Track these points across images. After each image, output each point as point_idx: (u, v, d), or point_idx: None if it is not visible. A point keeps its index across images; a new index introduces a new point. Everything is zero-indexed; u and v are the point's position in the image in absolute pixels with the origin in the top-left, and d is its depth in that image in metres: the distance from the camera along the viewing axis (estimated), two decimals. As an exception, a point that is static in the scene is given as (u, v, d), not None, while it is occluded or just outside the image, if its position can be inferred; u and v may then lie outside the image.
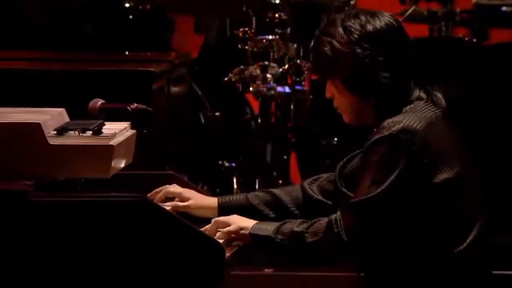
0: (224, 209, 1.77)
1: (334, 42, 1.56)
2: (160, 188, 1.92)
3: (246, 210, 1.78)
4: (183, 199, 1.87)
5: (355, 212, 1.52)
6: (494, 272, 1.68)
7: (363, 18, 1.59)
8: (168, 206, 1.84)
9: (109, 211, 1.63)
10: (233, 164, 4.41)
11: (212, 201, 1.80)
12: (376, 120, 1.60)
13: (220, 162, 4.39)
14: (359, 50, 1.54)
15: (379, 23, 1.58)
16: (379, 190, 1.46)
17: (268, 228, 1.64)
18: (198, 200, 1.85)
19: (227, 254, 1.65)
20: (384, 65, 1.55)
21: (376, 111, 1.60)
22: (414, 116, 1.51)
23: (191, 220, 1.75)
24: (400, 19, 4.27)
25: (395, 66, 1.58)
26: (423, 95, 1.61)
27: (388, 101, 1.57)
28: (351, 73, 1.54)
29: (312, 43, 1.68)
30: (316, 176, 1.87)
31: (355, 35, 1.55)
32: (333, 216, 1.56)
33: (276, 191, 1.77)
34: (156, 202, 1.83)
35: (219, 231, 1.71)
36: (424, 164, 1.46)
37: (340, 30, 1.57)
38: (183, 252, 1.61)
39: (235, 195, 1.90)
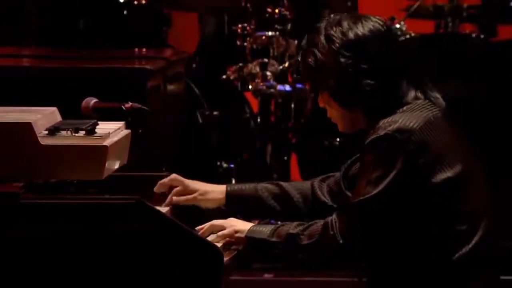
0: (232, 198, 1.80)
1: (317, 52, 1.57)
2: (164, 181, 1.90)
3: (254, 201, 1.80)
4: (188, 190, 1.86)
5: (351, 214, 1.52)
6: (503, 277, 1.68)
7: (345, 25, 1.59)
8: (178, 200, 1.85)
9: (102, 213, 1.63)
10: (232, 165, 4.41)
11: (220, 189, 1.81)
12: (369, 125, 1.59)
13: (218, 163, 4.39)
14: (342, 59, 1.54)
15: (361, 29, 1.57)
16: (375, 191, 1.46)
17: (264, 230, 1.65)
18: (205, 190, 1.84)
19: (226, 259, 1.65)
20: (369, 72, 1.55)
21: (368, 118, 1.61)
22: (411, 115, 1.52)
23: (190, 219, 1.75)
24: (405, 15, 4.32)
25: (382, 71, 1.57)
26: (420, 95, 1.61)
27: (378, 107, 1.58)
28: (337, 84, 1.54)
29: (299, 54, 1.69)
30: (327, 175, 1.87)
31: (337, 44, 1.55)
32: (329, 218, 1.56)
33: (286, 185, 1.78)
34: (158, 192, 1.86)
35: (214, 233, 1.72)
36: (422, 163, 1.46)
37: (322, 39, 1.57)
38: (180, 256, 1.61)
39: (244, 185, 1.88)
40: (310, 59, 1.57)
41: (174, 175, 1.92)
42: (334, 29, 1.57)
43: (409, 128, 1.48)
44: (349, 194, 1.71)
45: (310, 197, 1.81)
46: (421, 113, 1.54)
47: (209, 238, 1.70)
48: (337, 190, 1.80)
